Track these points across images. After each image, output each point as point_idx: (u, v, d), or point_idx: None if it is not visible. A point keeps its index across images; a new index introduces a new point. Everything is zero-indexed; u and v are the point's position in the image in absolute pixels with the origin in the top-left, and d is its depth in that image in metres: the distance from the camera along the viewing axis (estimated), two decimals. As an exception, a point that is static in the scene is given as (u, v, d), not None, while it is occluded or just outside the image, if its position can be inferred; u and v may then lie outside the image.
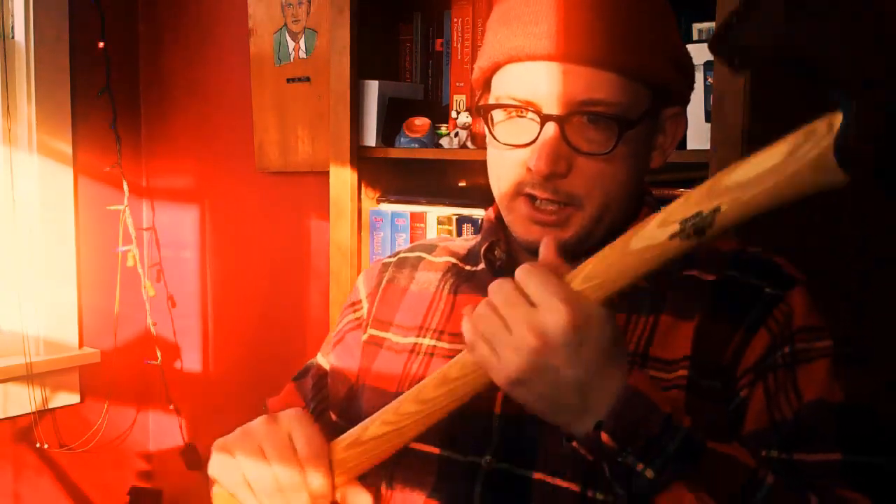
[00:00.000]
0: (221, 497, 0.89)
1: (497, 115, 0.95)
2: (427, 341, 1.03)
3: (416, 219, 1.81)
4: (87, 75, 2.43)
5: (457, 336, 1.00)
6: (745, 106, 1.33)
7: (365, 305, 1.12)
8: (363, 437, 0.85)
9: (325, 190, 1.90)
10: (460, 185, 1.96)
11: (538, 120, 0.90)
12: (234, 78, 2.39)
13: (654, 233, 0.74)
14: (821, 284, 0.95)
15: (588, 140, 0.90)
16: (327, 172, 1.87)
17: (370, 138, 1.83)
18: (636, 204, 0.99)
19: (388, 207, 1.86)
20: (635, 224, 0.98)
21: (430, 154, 1.79)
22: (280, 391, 1.18)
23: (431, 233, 1.79)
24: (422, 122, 1.81)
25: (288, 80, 2.24)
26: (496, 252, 1.02)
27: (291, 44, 2.23)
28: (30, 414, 2.37)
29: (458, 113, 1.79)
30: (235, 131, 2.40)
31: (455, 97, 1.85)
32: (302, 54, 2.21)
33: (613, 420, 0.75)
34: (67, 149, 2.42)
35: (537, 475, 0.89)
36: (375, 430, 0.84)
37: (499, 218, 1.02)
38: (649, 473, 0.75)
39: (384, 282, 1.11)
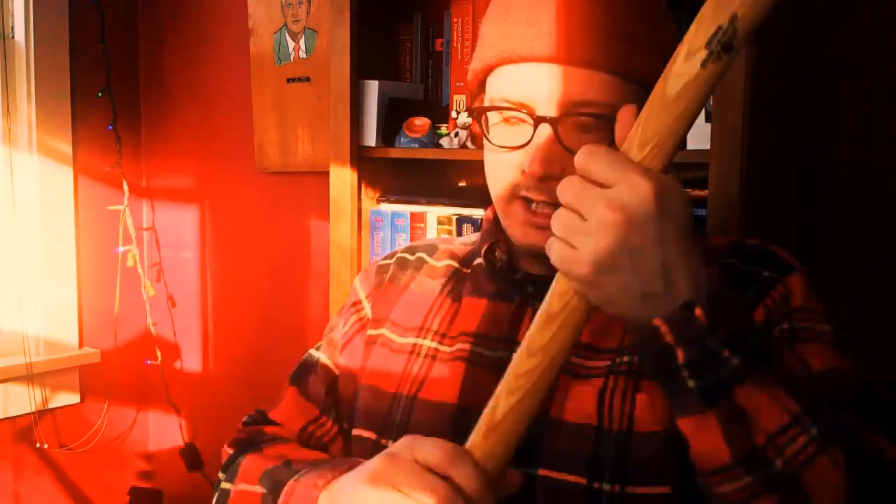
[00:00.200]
0: None
1: (492, 117, 0.95)
2: (428, 343, 1.02)
3: (416, 219, 1.81)
4: (87, 75, 2.43)
5: (456, 338, 1.00)
6: (745, 106, 1.33)
7: (367, 305, 1.11)
8: (496, 418, 0.76)
9: (325, 190, 1.90)
10: (460, 185, 1.96)
11: (532, 122, 0.90)
12: (234, 78, 2.39)
13: (685, 69, 0.68)
14: (821, 284, 0.95)
15: (582, 141, 0.90)
16: (327, 172, 1.87)
17: (370, 138, 1.83)
18: None
19: (388, 207, 1.86)
20: None
21: (430, 154, 1.79)
22: (277, 397, 1.13)
23: (431, 233, 1.79)
24: (422, 122, 1.81)
25: (288, 80, 2.24)
26: (496, 253, 1.02)
27: (291, 44, 2.23)
28: (30, 414, 2.37)
29: (458, 113, 1.79)
30: (235, 131, 2.40)
31: (455, 97, 1.85)
32: (302, 54, 2.21)
33: (704, 300, 0.70)
34: (67, 149, 2.42)
35: (542, 472, 0.88)
36: (505, 403, 0.75)
37: (497, 219, 1.02)
38: (735, 361, 0.70)
39: (384, 282, 1.10)
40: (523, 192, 0.93)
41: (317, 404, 1.10)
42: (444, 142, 1.79)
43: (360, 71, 1.83)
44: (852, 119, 1.59)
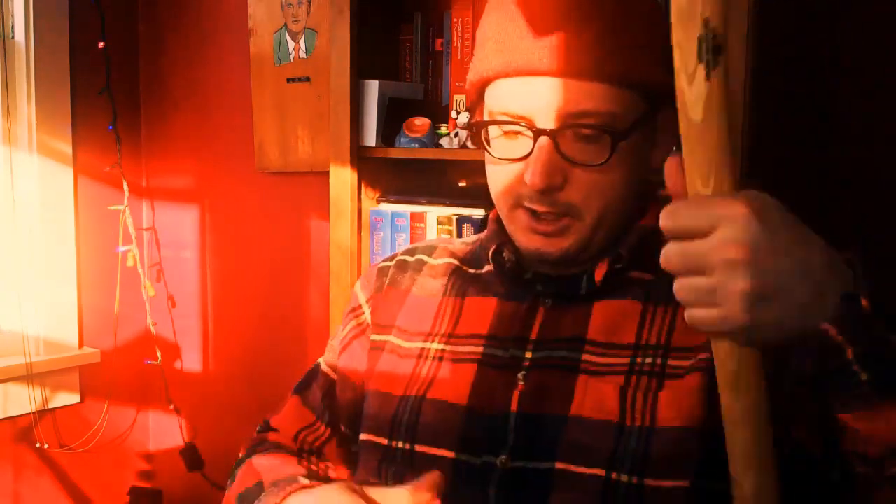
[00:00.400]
0: None
1: (492, 130, 0.95)
2: (435, 345, 1.02)
3: (416, 219, 1.81)
4: (87, 75, 2.43)
5: (465, 339, 1.00)
6: (745, 106, 1.33)
7: (367, 310, 1.11)
8: (746, 494, 0.74)
9: (325, 190, 1.90)
10: (460, 185, 1.96)
11: (531, 134, 0.90)
12: (234, 78, 2.39)
13: (696, 91, 0.67)
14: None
15: (582, 152, 0.90)
16: (327, 172, 1.87)
17: (370, 138, 1.83)
18: (640, 203, 0.99)
19: (388, 207, 1.86)
20: (642, 221, 0.98)
21: (430, 154, 1.79)
22: (280, 405, 1.16)
23: (431, 233, 1.79)
24: (422, 122, 1.81)
25: (288, 80, 2.24)
26: (504, 254, 1.02)
27: (291, 44, 2.23)
28: (30, 414, 2.37)
29: (458, 113, 1.79)
30: (235, 131, 2.40)
31: (455, 97, 1.85)
32: (302, 54, 2.21)
33: (861, 287, 0.69)
34: (67, 149, 2.42)
35: (560, 465, 0.88)
36: (749, 482, 0.73)
37: (501, 220, 1.02)
38: None
39: (384, 286, 1.11)
40: (526, 203, 0.94)
41: (313, 411, 1.13)
42: (444, 142, 1.79)
43: (360, 71, 1.83)
44: (852, 119, 1.59)
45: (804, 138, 1.60)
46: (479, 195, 1.71)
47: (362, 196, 1.86)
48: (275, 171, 2.32)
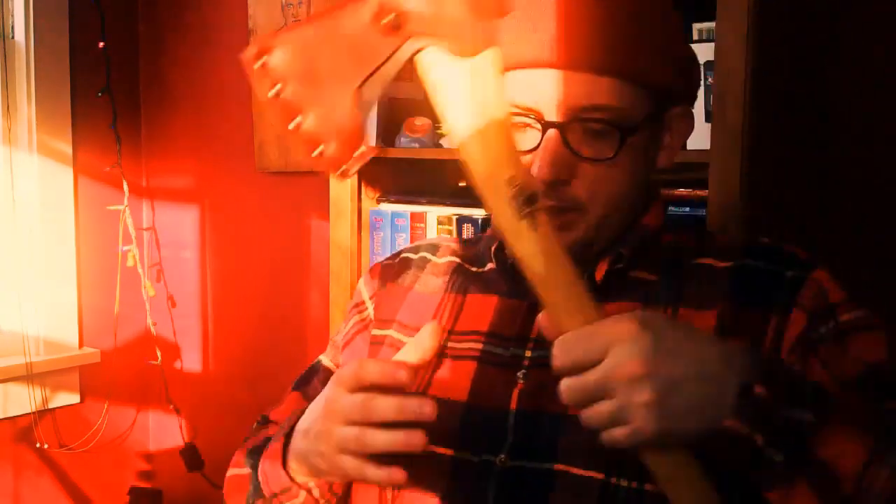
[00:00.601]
0: None
1: None
2: None
3: (416, 219, 1.81)
4: (87, 75, 2.43)
5: (465, 335, 1.00)
6: (745, 106, 1.33)
7: (370, 306, 1.11)
8: None
9: (325, 190, 1.90)
10: (460, 185, 1.96)
11: (539, 127, 0.91)
12: (234, 78, 2.38)
13: (528, 247, 0.74)
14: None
15: (590, 146, 0.90)
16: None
17: (370, 138, 1.83)
18: (644, 201, 0.99)
19: (388, 207, 1.86)
20: (644, 220, 0.98)
21: (430, 154, 1.79)
22: (280, 397, 1.16)
23: (431, 233, 1.79)
24: (422, 122, 1.80)
25: (288, 80, 2.24)
26: (507, 251, 1.02)
27: (291, 44, 2.22)
28: (30, 414, 2.37)
29: (458, 113, 1.78)
30: (235, 131, 2.40)
31: (455, 97, 1.84)
32: (302, 54, 2.21)
33: (757, 374, 0.72)
34: (67, 149, 2.42)
35: (559, 467, 0.88)
36: None
37: None
38: (808, 416, 0.72)
39: (388, 282, 1.11)
40: None
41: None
42: (444, 142, 1.79)
43: (360, 71, 1.82)
44: (852, 119, 1.59)
45: (804, 138, 1.60)
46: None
47: (362, 196, 1.86)
48: (275, 171, 2.32)
